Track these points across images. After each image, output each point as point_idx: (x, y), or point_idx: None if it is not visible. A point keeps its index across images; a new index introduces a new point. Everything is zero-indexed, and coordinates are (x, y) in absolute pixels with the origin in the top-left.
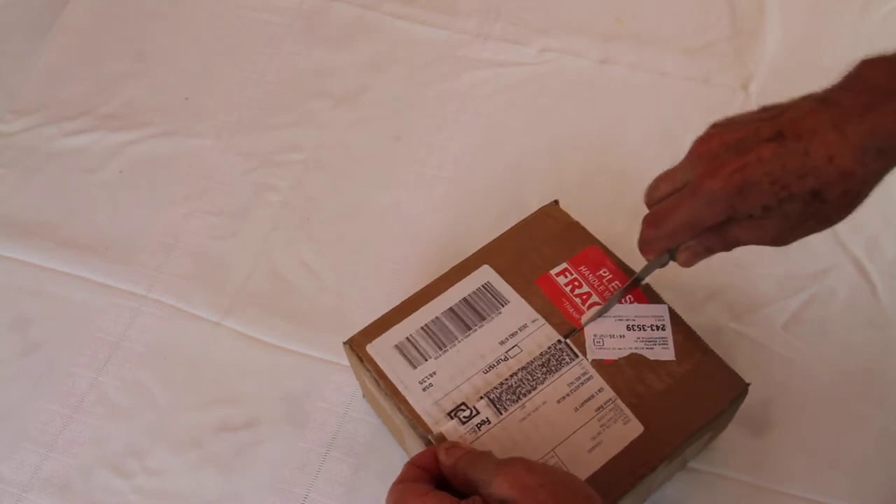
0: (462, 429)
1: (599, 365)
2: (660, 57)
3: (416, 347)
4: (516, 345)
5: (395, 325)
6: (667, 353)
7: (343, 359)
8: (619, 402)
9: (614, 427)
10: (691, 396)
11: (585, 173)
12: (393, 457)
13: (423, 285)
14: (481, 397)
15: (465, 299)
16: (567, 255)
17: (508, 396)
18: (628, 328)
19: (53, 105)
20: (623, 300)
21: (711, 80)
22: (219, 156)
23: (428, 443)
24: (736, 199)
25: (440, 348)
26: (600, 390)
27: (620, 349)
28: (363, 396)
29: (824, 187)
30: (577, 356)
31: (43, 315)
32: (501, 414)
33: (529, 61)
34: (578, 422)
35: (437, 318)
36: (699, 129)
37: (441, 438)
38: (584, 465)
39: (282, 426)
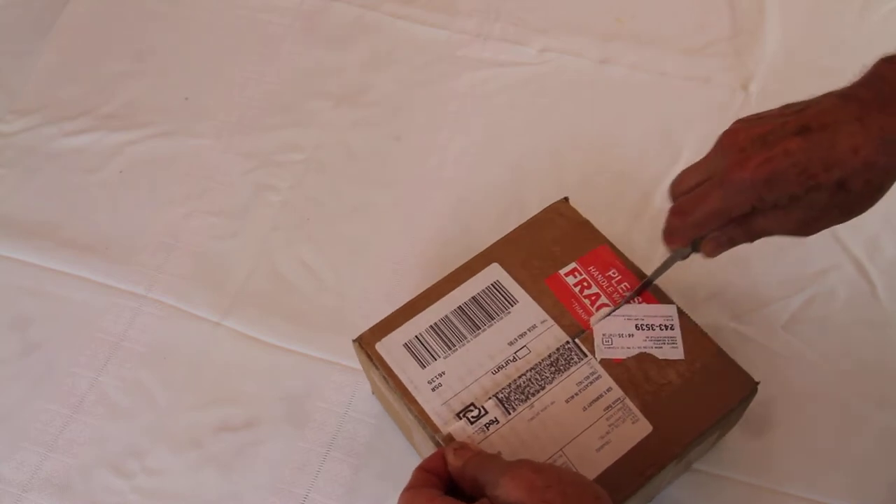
0: (470, 429)
1: (608, 364)
2: (660, 57)
3: (425, 346)
4: (525, 346)
5: (404, 323)
6: (676, 353)
7: (343, 359)
8: (627, 401)
9: (623, 426)
10: (700, 395)
11: (585, 173)
12: (393, 457)
13: (423, 285)
14: (490, 397)
15: (474, 298)
16: (576, 255)
17: (517, 396)
18: (637, 328)
19: (53, 105)
20: (632, 300)
21: (711, 80)
22: (219, 156)
23: (437, 444)
24: (764, 189)
25: (449, 347)
26: (609, 389)
27: (629, 348)
28: (372, 393)
29: (849, 178)
30: (585, 355)
31: (43, 315)
32: (510, 414)
33: (529, 61)
34: (587, 421)
35: (446, 316)
36: (699, 129)
37: (450, 439)
38: (593, 464)
39: (282, 426)
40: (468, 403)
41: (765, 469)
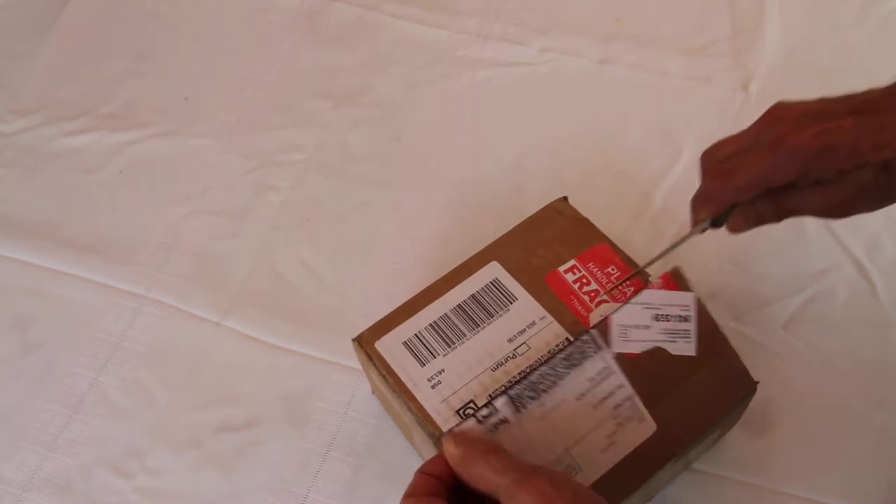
0: (479, 428)
1: (621, 359)
2: (660, 57)
3: (424, 345)
4: (524, 342)
5: (403, 321)
6: (688, 348)
7: (343, 359)
8: (636, 399)
9: (629, 426)
10: (702, 394)
11: (585, 173)
12: (393, 457)
13: (423, 285)
14: (501, 393)
15: (473, 296)
16: (575, 252)
17: (529, 393)
18: (655, 318)
19: (53, 105)
20: (652, 286)
21: (711, 80)
22: (219, 156)
23: (437, 442)
24: (814, 160)
25: (449, 345)
26: (620, 387)
27: (644, 342)
28: (372, 392)
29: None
30: (599, 347)
31: (43, 315)
32: (520, 412)
33: (529, 61)
34: (595, 420)
35: (445, 314)
36: (699, 129)
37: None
38: (597, 465)
39: (282, 426)
40: (468, 401)
41: (764, 469)
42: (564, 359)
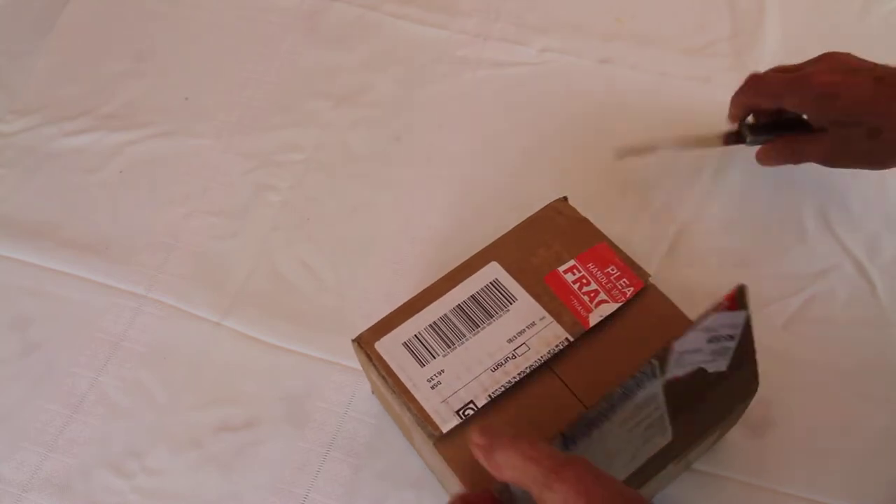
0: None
1: (667, 382)
2: (660, 57)
3: (424, 345)
4: (524, 343)
5: (403, 322)
6: (721, 365)
7: (343, 359)
8: (665, 415)
9: (652, 441)
10: (717, 401)
11: (585, 173)
12: (393, 457)
13: (423, 285)
14: (557, 435)
15: (473, 297)
16: (575, 252)
17: (581, 430)
18: (709, 341)
19: (53, 105)
20: (720, 307)
21: (711, 80)
22: (219, 156)
23: (437, 443)
24: (821, 101)
25: (448, 346)
26: (656, 408)
27: (691, 365)
28: (372, 393)
29: (887, 128)
30: (655, 376)
31: (43, 315)
32: (569, 448)
33: (529, 61)
34: (627, 441)
35: (445, 315)
36: (699, 129)
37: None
38: (615, 475)
39: (282, 426)
40: (467, 401)
41: (764, 469)
42: (623, 392)
